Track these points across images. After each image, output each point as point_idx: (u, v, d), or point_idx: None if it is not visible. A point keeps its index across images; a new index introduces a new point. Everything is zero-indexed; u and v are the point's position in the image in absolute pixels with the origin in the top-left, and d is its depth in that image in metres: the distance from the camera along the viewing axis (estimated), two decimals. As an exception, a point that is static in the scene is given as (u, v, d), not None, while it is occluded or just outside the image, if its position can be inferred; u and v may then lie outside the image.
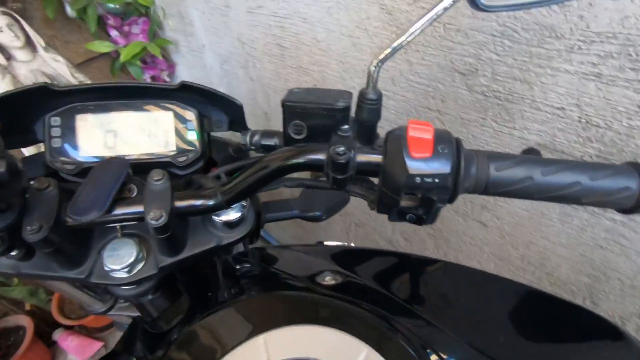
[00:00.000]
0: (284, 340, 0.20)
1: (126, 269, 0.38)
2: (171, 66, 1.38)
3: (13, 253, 0.34)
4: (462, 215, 0.83)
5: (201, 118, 0.47)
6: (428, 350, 0.19)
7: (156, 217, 0.33)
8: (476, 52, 0.59)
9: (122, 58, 1.17)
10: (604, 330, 0.27)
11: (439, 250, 0.95)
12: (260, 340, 0.20)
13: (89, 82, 1.18)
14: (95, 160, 0.43)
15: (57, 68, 1.09)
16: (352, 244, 0.50)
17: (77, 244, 0.37)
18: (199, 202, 0.35)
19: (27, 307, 1.33)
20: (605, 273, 0.66)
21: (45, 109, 0.43)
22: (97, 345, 1.38)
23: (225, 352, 0.20)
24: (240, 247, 0.53)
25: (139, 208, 0.35)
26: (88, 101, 0.44)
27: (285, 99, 0.34)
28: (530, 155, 0.32)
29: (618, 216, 0.58)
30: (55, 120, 0.43)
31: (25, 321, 1.28)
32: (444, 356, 0.19)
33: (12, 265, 0.37)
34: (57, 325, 1.41)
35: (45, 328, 1.39)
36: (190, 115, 0.46)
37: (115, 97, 0.44)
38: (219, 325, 0.23)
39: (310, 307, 0.23)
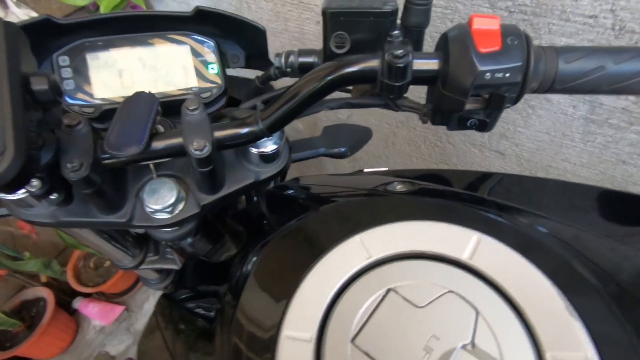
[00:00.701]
0: (381, 237, 0.19)
1: (168, 209, 0.37)
2: (155, 18, 1.28)
3: (53, 197, 0.32)
4: (478, 147, 0.82)
5: (219, 49, 0.43)
6: (554, 236, 0.18)
7: (200, 147, 0.31)
8: (501, -39, 0.55)
9: (102, 9, 1.07)
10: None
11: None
12: (356, 239, 0.19)
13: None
14: (115, 101, 0.40)
15: (33, 26, 1.00)
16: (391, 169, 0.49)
17: (115, 185, 0.35)
18: (241, 131, 0.33)
19: (43, 279, 1.34)
20: (625, 188, 0.67)
21: (51, 48, 0.39)
22: (119, 309, 1.42)
23: (321, 255, 0.19)
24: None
25: (178, 140, 0.32)
26: (96, 36, 0.40)
27: (327, 6, 0.31)
28: (599, 45, 0.30)
29: (645, 128, 0.58)
30: (64, 60, 0.39)
31: (45, 292, 1.29)
32: (556, 233, 0.19)
33: (50, 214, 0.35)
34: (74, 294, 1.43)
35: (63, 298, 1.41)
36: (209, 47, 0.42)
37: (125, 30, 0.40)
38: (305, 234, 0.22)
39: (400, 205, 0.22)
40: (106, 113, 0.40)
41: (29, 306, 1.30)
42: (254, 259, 0.24)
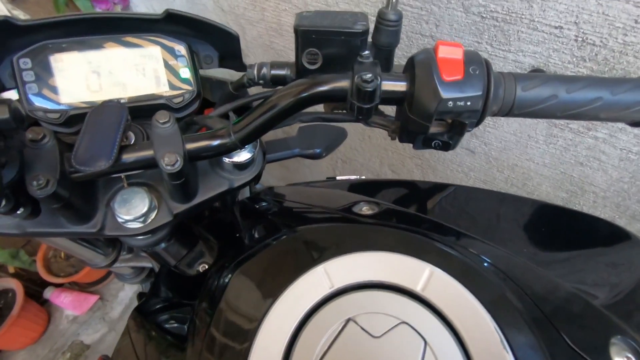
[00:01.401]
0: (344, 267, 0.21)
1: (140, 219, 0.37)
2: (124, -1, 1.21)
3: (19, 212, 0.31)
4: (450, 144, 0.85)
5: (191, 52, 0.42)
6: (492, 268, 0.20)
7: (171, 162, 0.31)
8: (475, -33, 0.55)
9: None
10: (612, 234, 0.29)
11: (426, 179, 0.99)
12: (320, 269, 0.21)
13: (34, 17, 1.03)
14: (81, 106, 0.39)
15: (-11, 4, 0.93)
16: (363, 177, 0.51)
17: (84, 197, 0.35)
18: (213, 143, 0.33)
19: (11, 270, 1.30)
20: (582, 187, 0.72)
21: (10, 50, 0.37)
22: (93, 298, 1.40)
23: (288, 283, 0.20)
24: (245, 192, 0.53)
25: (149, 153, 0.32)
26: (59, 37, 0.38)
27: (298, 24, 0.31)
28: (555, 74, 0.31)
29: (600, 134, 0.61)
30: (25, 62, 0.37)
31: (13, 283, 1.26)
32: (513, 274, 0.20)
33: (16, 225, 0.34)
34: (45, 284, 1.40)
35: (34, 288, 1.38)
36: (180, 49, 0.41)
37: (92, 31, 0.39)
38: (271, 261, 0.24)
39: (363, 235, 0.23)
40: (73, 118, 0.39)
41: (-3, 297, 1.26)
42: (224, 283, 0.25)
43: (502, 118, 0.71)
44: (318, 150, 0.57)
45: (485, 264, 0.20)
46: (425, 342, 0.18)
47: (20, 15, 0.99)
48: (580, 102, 0.29)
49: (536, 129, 0.69)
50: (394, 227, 0.24)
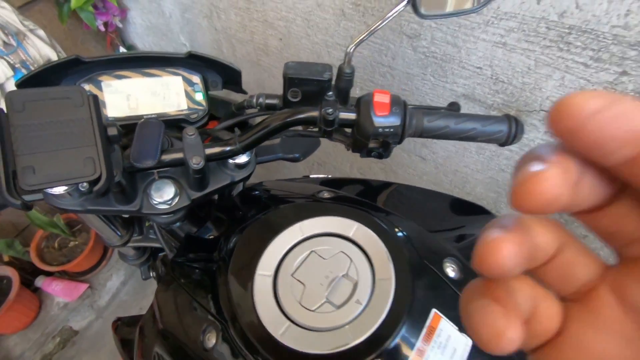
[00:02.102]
0: (311, 225, 0.36)
1: (168, 202, 0.51)
2: (123, 11, 1.33)
3: (91, 194, 0.45)
4: (407, 152, 1.03)
5: (204, 80, 0.57)
6: (392, 225, 0.36)
7: (197, 162, 0.46)
8: (419, 20, 0.73)
9: (73, 4, 1.12)
10: (483, 214, 0.46)
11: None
12: (297, 226, 0.36)
13: (38, 29, 1.13)
14: (123, 118, 0.53)
15: (3, 15, 1.03)
16: (330, 175, 0.67)
17: (131, 185, 0.49)
18: (225, 149, 0.48)
19: (6, 258, 1.37)
20: (505, 189, 0.91)
21: (75, 78, 0.51)
22: (83, 286, 1.49)
23: (277, 233, 0.35)
24: (240, 185, 0.68)
25: (180, 155, 0.47)
26: (109, 69, 0.52)
27: (286, 72, 0.47)
28: (450, 110, 0.49)
29: (514, 147, 0.80)
30: (85, 87, 0.51)
31: (8, 271, 1.34)
32: (401, 228, 0.36)
33: (80, 204, 0.48)
34: (36, 273, 1.48)
35: (25, 276, 1.46)
36: (196, 79, 0.56)
37: (132, 66, 0.53)
38: (266, 224, 0.38)
39: (322, 207, 0.39)
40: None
41: (-8, 284, 1.34)
42: (236, 238, 0.40)
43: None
44: (297, 155, 0.73)
45: (389, 223, 0.36)
46: (351, 260, 0.33)
47: (31, 25, 1.09)
48: (463, 130, 0.46)
49: (470, 143, 0.87)
50: (341, 203, 0.40)
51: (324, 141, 1.24)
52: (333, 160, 1.26)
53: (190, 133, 0.48)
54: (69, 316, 1.49)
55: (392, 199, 0.47)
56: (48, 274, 1.48)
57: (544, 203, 0.12)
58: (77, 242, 1.47)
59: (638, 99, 0.12)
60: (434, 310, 0.30)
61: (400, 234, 0.36)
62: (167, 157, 0.47)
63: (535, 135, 0.75)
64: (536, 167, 0.12)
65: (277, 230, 0.36)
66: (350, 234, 0.35)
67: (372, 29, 0.44)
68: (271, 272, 0.33)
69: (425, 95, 0.85)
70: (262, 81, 1.21)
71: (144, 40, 1.47)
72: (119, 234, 0.67)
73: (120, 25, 1.36)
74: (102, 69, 0.52)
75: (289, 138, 0.76)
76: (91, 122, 0.35)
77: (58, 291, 1.45)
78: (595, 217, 0.14)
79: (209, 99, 0.60)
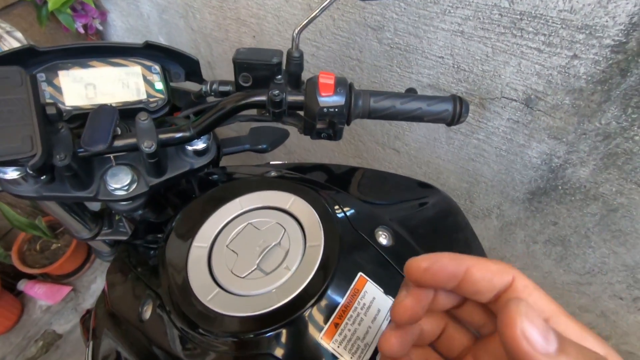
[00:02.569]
0: (250, 199, 0.36)
1: (125, 188, 0.52)
2: (103, 14, 1.34)
3: (42, 178, 0.46)
4: (381, 145, 1.04)
5: (163, 70, 0.58)
6: (328, 198, 0.36)
7: (149, 146, 0.47)
8: (382, 11, 0.74)
9: (50, 6, 1.13)
10: (425, 188, 0.47)
11: (366, 176, 1.17)
12: (237, 200, 0.37)
13: (15, 31, 1.14)
14: (81, 108, 0.54)
15: (-20, 17, 1.04)
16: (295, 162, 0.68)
17: (85, 171, 0.49)
18: (177, 135, 0.49)
19: (-14, 262, 1.37)
20: (476, 179, 0.92)
21: (30, 67, 0.52)
22: (66, 289, 1.48)
23: (218, 207, 0.36)
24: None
25: (133, 140, 0.48)
26: (67, 59, 0.53)
27: (235, 57, 0.48)
28: (397, 92, 0.50)
29: (480, 135, 0.82)
30: (41, 76, 0.52)
31: (-11, 274, 1.33)
32: (338, 201, 0.37)
33: (35, 190, 0.48)
34: (18, 277, 1.47)
35: (7, 280, 1.45)
36: (155, 68, 0.57)
37: (89, 55, 0.54)
38: (208, 199, 0.39)
39: (263, 183, 0.40)
40: (75, 117, 0.54)
41: (-28, 288, 1.33)
42: (179, 214, 0.41)
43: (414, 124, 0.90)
44: (264, 146, 0.74)
45: (325, 196, 0.37)
46: (285, 230, 0.34)
47: (7, 27, 1.10)
48: (409, 110, 0.47)
49: (438, 133, 0.88)
50: (284, 180, 0.40)
51: (303, 139, 1.26)
52: (312, 156, 1.27)
53: (143, 118, 0.48)
54: (52, 319, 1.48)
55: (342, 178, 0.48)
56: (31, 277, 1.47)
57: (408, 317, 0.21)
58: (59, 245, 1.47)
59: (453, 256, 0.20)
60: (360, 274, 0.31)
61: (337, 207, 0.36)
62: (120, 142, 0.48)
63: (500, 122, 0.76)
64: (402, 294, 0.22)
65: (217, 205, 0.37)
66: (286, 207, 0.36)
67: (314, 14, 0.45)
68: (207, 244, 0.34)
69: (393, 86, 0.86)
70: (240, 79, 1.22)
71: (125, 43, 1.49)
72: (88, 227, 0.67)
73: (101, 28, 1.37)
74: (59, 59, 0.53)
75: (257, 129, 0.78)
76: (28, 101, 0.36)
77: (40, 294, 1.44)
78: (456, 312, 0.23)
79: (171, 90, 0.61)
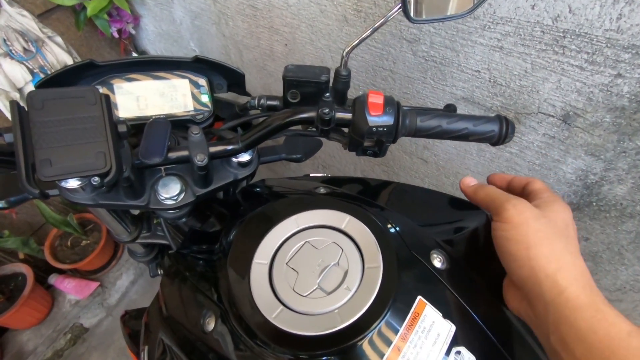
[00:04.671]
0: (305, 217, 0.38)
1: (174, 198, 0.54)
2: (136, 18, 1.38)
3: (102, 188, 0.48)
4: (409, 154, 1.04)
5: (209, 82, 0.60)
6: (382, 218, 0.37)
7: (201, 159, 0.49)
8: (418, 25, 0.75)
9: (89, 12, 1.18)
10: (471, 209, 0.48)
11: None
12: (293, 218, 0.38)
13: (56, 35, 1.18)
14: (134, 118, 0.56)
15: (24, 23, 1.09)
16: (330, 175, 0.69)
17: (139, 181, 0.52)
18: (228, 147, 0.51)
19: (21, 256, 1.42)
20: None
21: (89, 81, 0.54)
22: (94, 285, 1.53)
23: (274, 224, 0.38)
24: (244, 183, 0.70)
25: (186, 153, 0.50)
26: (121, 72, 0.55)
27: (285, 75, 0.49)
28: (443, 110, 0.50)
29: (513, 150, 0.81)
30: (99, 88, 0.54)
31: (23, 268, 1.38)
32: (391, 221, 0.38)
33: (92, 198, 0.51)
34: (49, 271, 1.53)
35: (39, 274, 1.51)
36: (202, 81, 0.59)
37: (142, 69, 0.56)
38: (264, 216, 0.41)
39: (317, 201, 0.41)
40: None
41: (7, 280, 1.39)
42: (236, 230, 0.42)
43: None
44: (299, 155, 0.75)
45: (379, 216, 0.38)
46: (342, 250, 0.35)
47: (49, 32, 1.14)
48: (455, 130, 0.48)
49: (470, 144, 0.88)
50: (335, 197, 0.42)
51: (328, 144, 1.28)
52: (337, 162, 1.28)
53: (195, 132, 0.50)
54: (80, 313, 1.53)
55: (388, 196, 0.49)
56: (61, 271, 1.53)
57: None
58: (89, 241, 1.52)
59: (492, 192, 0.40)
60: (419, 297, 0.32)
61: (390, 226, 0.37)
62: (173, 155, 0.50)
63: (535, 137, 0.76)
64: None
65: (274, 222, 0.38)
66: (342, 226, 0.37)
67: (365, 34, 0.46)
68: (267, 261, 0.35)
69: (425, 98, 0.86)
70: (269, 85, 1.24)
71: (155, 46, 1.52)
72: (129, 230, 0.70)
73: (133, 32, 1.41)
74: (114, 72, 0.55)
75: (291, 139, 0.79)
76: (103, 119, 0.38)
77: (70, 289, 1.49)
78: None
79: (215, 101, 0.63)
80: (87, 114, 0.38)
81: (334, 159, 1.29)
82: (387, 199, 0.50)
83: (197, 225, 0.61)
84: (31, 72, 1.11)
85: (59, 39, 1.17)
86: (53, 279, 1.50)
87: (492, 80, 0.73)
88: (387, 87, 0.91)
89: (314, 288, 0.33)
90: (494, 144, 0.50)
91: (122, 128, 0.40)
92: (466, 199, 0.46)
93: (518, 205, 0.34)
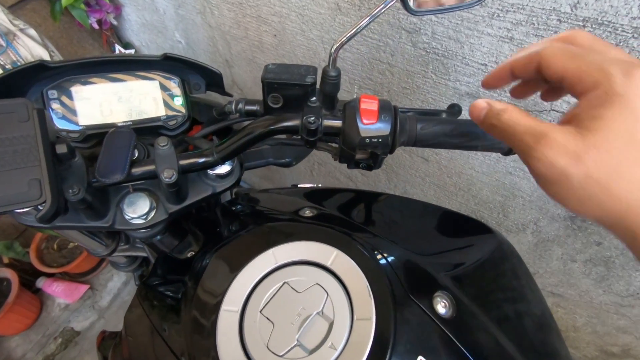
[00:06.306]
0: (285, 251, 0.32)
1: (143, 217, 0.47)
2: (117, 8, 1.30)
3: (54, 210, 0.42)
4: (408, 152, 0.98)
5: (183, 83, 0.53)
6: (375, 252, 0.31)
7: (169, 176, 0.42)
8: (418, 16, 0.67)
9: (63, 1, 1.09)
10: (480, 229, 0.42)
11: (391, 182, 1.11)
12: (270, 252, 0.32)
13: (29, 28, 1.10)
14: (95, 128, 0.50)
15: (-8, 15, 1.01)
16: (320, 185, 0.62)
17: (101, 200, 0.45)
18: (200, 160, 0.44)
19: (6, 260, 1.37)
20: (513, 193, 0.85)
21: (41, 83, 0.47)
22: (83, 287, 1.48)
23: (249, 260, 0.32)
24: (227, 194, 0.64)
25: (151, 168, 0.43)
26: (80, 74, 0.48)
27: (264, 76, 0.42)
28: (447, 113, 0.44)
29: (522, 149, 0.75)
30: (53, 93, 0.48)
31: (8, 273, 1.33)
32: (386, 255, 0.32)
33: (47, 220, 0.45)
34: (37, 274, 1.48)
35: (26, 277, 1.46)
36: (174, 83, 0.52)
37: (104, 70, 0.49)
38: (239, 247, 0.35)
39: (299, 230, 0.35)
40: (89, 137, 0.49)
41: (-8, 286, 1.34)
42: (207, 261, 0.36)
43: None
44: (289, 159, 0.69)
45: (372, 249, 0.32)
46: (328, 294, 0.29)
47: (21, 24, 1.06)
48: (461, 140, 0.42)
49: (474, 144, 0.82)
50: (321, 225, 0.36)
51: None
52: (329, 162, 1.22)
53: (162, 144, 0.44)
54: (70, 317, 1.48)
55: (381, 213, 0.43)
56: (49, 275, 1.47)
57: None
58: (76, 243, 1.46)
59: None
60: (420, 358, 0.26)
61: (384, 262, 0.31)
62: (138, 170, 0.43)
63: (545, 136, 0.69)
64: None
65: (249, 257, 0.32)
66: (328, 263, 0.31)
67: (358, 26, 0.39)
68: (238, 308, 0.30)
69: (426, 93, 0.79)
70: (258, 79, 1.16)
71: (139, 38, 1.44)
72: (104, 243, 0.64)
73: (115, 23, 1.33)
74: (72, 74, 0.48)
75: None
76: (36, 139, 0.32)
77: (59, 292, 1.44)
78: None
79: (190, 103, 0.56)
80: (18, 133, 0.32)
81: (329, 156, 1.22)
82: (381, 217, 0.44)
83: (173, 243, 0.55)
84: (3, 68, 1.04)
85: (32, 32, 1.09)
86: (41, 283, 1.45)
87: (500, 75, 0.66)
88: (385, 81, 0.84)
89: (293, 345, 0.27)
90: (505, 154, 0.44)
91: (61, 149, 0.34)
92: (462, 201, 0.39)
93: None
